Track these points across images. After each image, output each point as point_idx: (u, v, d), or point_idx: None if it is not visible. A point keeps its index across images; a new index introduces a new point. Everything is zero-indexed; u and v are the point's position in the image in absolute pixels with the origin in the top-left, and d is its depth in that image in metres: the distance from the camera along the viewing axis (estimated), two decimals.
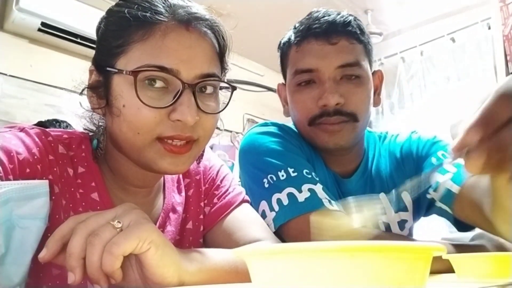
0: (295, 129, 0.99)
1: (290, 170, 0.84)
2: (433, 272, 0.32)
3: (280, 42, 0.99)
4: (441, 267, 0.63)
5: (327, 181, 0.94)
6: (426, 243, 0.30)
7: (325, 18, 0.90)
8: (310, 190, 0.82)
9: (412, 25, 3.19)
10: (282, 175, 0.84)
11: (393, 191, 0.96)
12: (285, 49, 0.96)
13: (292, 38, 0.93)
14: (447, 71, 3.07)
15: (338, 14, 0.91)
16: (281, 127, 0.96)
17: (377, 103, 0.97)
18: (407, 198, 0.97)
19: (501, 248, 0.84)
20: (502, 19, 2.63)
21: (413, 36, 3.22)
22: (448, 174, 0.87)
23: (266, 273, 0.30)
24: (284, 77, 0.99)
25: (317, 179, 0.86)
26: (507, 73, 2.55)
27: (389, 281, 0.27)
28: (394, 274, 0.28)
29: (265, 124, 0.98)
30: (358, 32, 0.92)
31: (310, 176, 0.85)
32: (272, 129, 0.95)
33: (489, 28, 2.84)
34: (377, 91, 0.97)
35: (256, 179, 0.87)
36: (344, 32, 0.89)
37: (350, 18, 0.92)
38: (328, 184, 0.92)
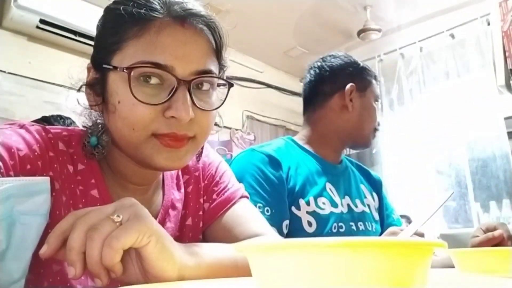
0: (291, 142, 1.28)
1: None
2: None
3: (362, 65, 1.30)
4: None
5: (321, 166, 1.23)
6: (425, 238, 0.30)
7: None
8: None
9: (411, 21, 3.18)
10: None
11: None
12: (369, 75, 1.29)
13: (372, 73, 1.30)
14: (447, 67, 3.07)
15: None
16: (268, 155, 1.13)
17: None
18: (365, 190, 1.33)
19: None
20: (501, 15, 2.63)
21: (412, 32, 3.21)
22: None
23: (267, 268, 0.30)
24: (360, 84, 1.26)
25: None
26: (506, 69, 2.55)
27: (390, 276, 0.27)
28: (396, 269, 0.28)
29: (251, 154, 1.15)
30: None
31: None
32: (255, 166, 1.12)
33: (488, 24, 2.83)
34: None
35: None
36: None
37: None
38: (321, 168, 1.22)
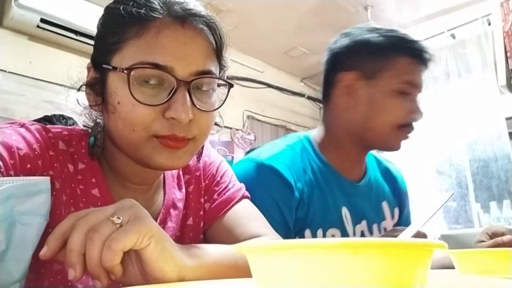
0: (306, 145, 1.05)
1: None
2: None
3: (383, 38, 1.00)
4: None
5: (339, 186, 1.04)
6: (424, 239, 0.30)
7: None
8: None
9: (412, 21, 3.18)
10: None
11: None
12: (389, 52, 0.98)
13: (406, 48, 0.99)
14: (447, 67, 3.07)
15: None
16: (278, 173, 0.94)
17: None
18: (386, 209, 1.13)
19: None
20: (503, 15, 2.63)
21: (412, 32, 3.19)
22: None
23: (268, 269, 0.30)
24: (371, 67, 0.99)
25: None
26: (507, 69, 2.55)
27: (390, 277, 0.27)
28: (396, 270, 0.28)
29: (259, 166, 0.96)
30: None
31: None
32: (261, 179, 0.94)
33: (489, 24, 2.84)
34: None
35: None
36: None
37: None
38: (339, 189, 1.03)
